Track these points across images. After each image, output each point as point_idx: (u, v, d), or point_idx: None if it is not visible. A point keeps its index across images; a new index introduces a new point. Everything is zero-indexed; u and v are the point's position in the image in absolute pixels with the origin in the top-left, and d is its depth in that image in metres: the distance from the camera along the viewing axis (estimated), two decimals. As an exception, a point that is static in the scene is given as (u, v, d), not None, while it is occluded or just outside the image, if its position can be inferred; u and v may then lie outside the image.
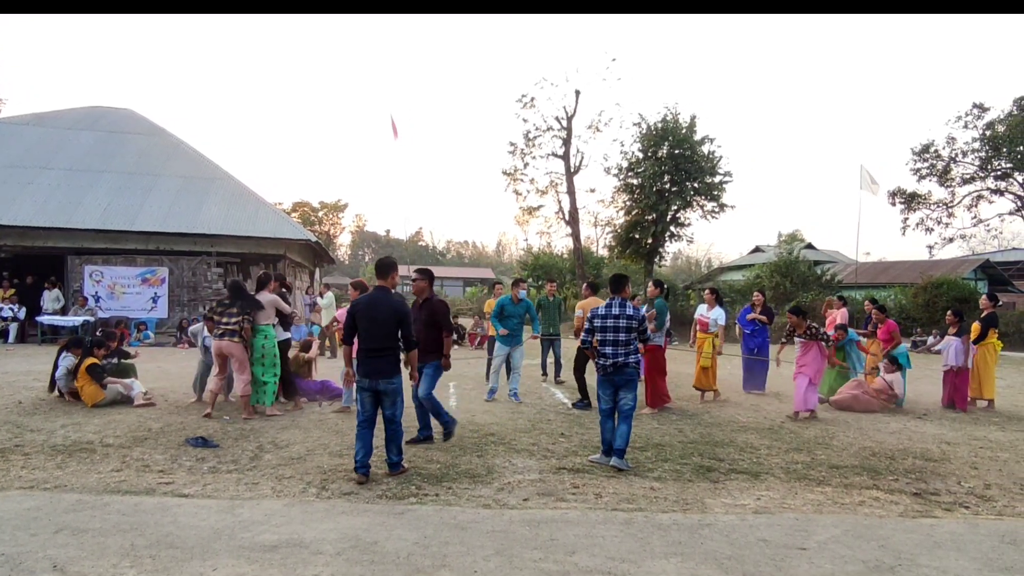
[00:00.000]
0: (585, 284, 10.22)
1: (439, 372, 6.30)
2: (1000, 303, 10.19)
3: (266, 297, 7.64)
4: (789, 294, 24.51)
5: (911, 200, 28.50)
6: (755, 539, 3.94)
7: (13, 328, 15.91)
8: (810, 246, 41.48)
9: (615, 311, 5.75)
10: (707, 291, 10.04)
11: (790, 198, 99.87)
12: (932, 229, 28.69)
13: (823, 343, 8.25)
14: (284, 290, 8.53)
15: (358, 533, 3.85)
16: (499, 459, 5.75)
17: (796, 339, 8.35)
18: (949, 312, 9.71)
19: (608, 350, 5.66)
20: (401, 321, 5.21)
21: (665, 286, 9.00)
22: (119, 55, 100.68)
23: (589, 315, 5.92)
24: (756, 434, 7.14)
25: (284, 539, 3.75)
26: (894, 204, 29.00)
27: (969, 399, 9.33)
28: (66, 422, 6.89)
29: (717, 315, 9.53)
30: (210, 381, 7.71)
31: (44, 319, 15.70)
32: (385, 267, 5.45)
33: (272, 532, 3.85)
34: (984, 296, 9.90)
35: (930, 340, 10.05)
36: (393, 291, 5.40)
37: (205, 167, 20.82)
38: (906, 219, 29.05)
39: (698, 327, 9.69)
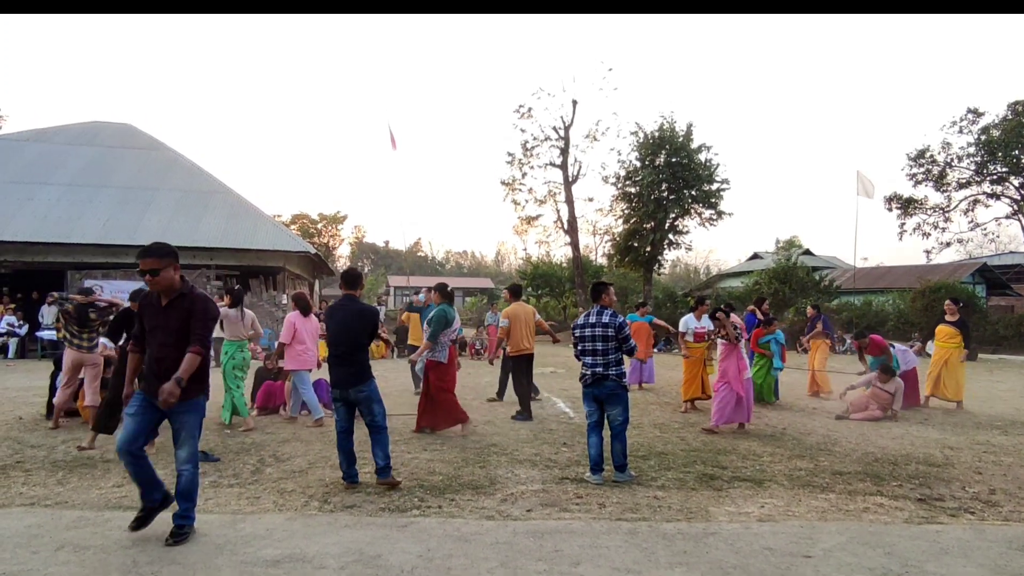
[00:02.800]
0: (506, 289, 9.40)
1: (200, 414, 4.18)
2: (962, 304, 10.46)
3: (248, 313, 7.76)
4: (788, 300, 24.54)
5: (908, 205, 28.59)
6: (760, 547, 3.92)
7: (13, 343, 15.88)
8: (808, 252, 41.56)
9: (592, 319, 5.58)
10: (704, 303, 10.07)
11: (788, 204, 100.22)
12: (929, 234, 28.79)
13: (741, 343, 7.80)
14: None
15: (361, 547, 3.83)
16: (501, 470, 5.73)
17: (719, 340, 7.99)
18: (855, 341, 9.93)
19: (588, 360, 5.52)
20: (374, 329, 5.33)
21: (450, 288, 7.92)
22: (118, 69, 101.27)
23: (573, 325, 5.79)
24: (758, 441, 7.13)
25: (287, 554, 3.72)
26: (891, 209, 29.10)
27: (925, 398, 9.76)
28: (67, 438, 6.86)
29: (710, 325, 9.57)
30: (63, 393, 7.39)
31: (43, 334, 15.68)
32: (354, 278, 5.55)
33: (274, 547, 3.83)
34: (949, 301, 10.13)
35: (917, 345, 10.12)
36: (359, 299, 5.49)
37: (204, 180, 20.88)
38: (903, 224, 29.14)
39: (692, 338, 9.61)
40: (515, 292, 9.13)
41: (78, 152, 20.56)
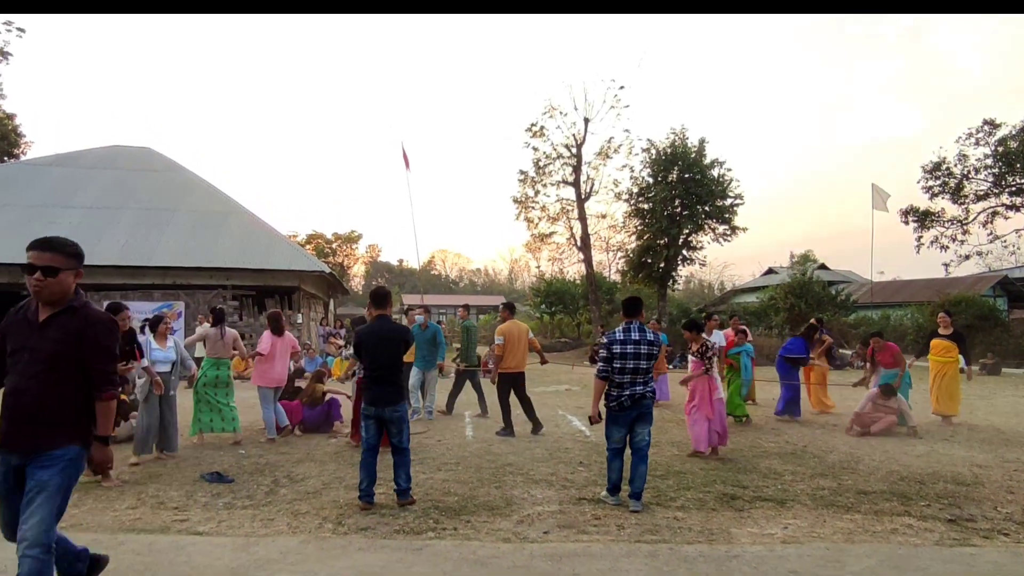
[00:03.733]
0: (502, 306, 9.29)
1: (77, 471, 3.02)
2: (952, 316, 10.28)
3: (229, 331, 7.99)
4: (804, 315, 24.26)
5: (924, 218, 28.20)
6: (785, 571, 3.81)
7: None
8: (823, 266, 41.18)
9: (635, 336, 5.18)
10: (713, 318, 10.30)
11: (802, 219, 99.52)
12: (947, 247, 28.29)
13: (710, 360, 7.33)
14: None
15: (375, 571, 3.77)
16: (517, 490, 5.64)
17: (689, 356, 7.64)
18: (872, 340, 9.61)
19: (627, 379, 5.12)
20: (407, 346, 5.41)
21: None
22: (138, 92, 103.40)
23: (607, 341, 5.27)
24: (779, 459, 6.98)
25: (300, 577, 3.67)
26: (907, 223, 28.72)
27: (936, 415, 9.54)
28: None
29: (720, 340, 9.71)
30: None
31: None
32: (383, 297, 5.56)
33: (288, 571, 3.78)
34: (943, 314, 9.99)
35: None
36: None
37: (220, 202, 21.15)
38: (920, 237, 28.72)
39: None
40: (510, 309, 9.16)
41: (99, 175, 20.95)
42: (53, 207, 19.00)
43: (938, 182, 27.43)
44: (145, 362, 6.66)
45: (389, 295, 5.66)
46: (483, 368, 19.03)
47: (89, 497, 5.41)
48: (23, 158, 29.28)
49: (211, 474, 6.09)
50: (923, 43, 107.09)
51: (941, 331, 9.72)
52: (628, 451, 5.32)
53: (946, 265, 29.28)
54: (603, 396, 5.29)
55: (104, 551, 4.07)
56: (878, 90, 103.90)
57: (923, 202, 28.21)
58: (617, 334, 5.26)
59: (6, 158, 29.91)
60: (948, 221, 28.15)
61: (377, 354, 5.22)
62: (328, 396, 8.83)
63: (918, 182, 27.78)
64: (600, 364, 5.27)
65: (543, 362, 9.54)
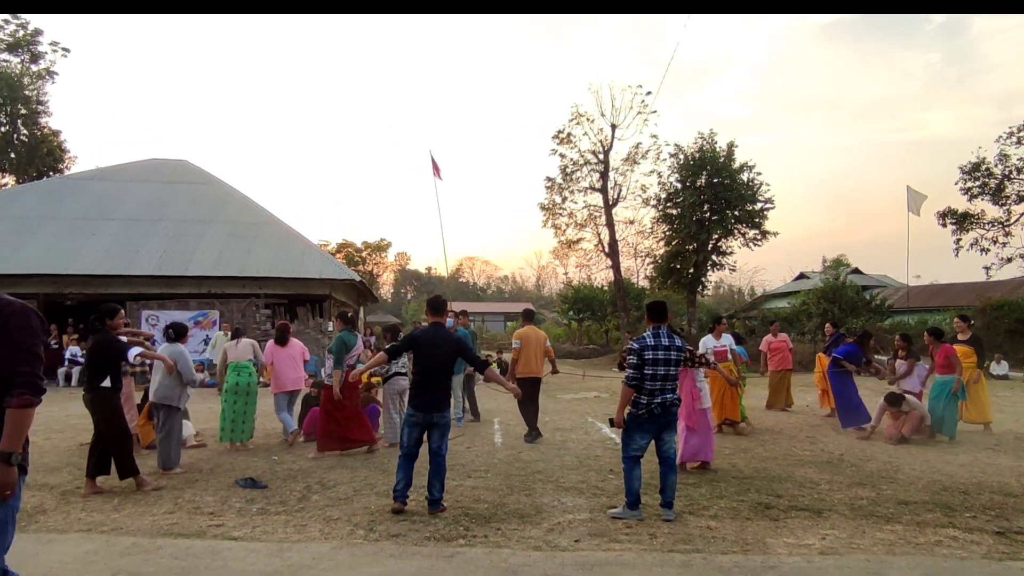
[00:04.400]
0: (523, 311, 9.47)
1: None
2: (972, 322, 9.93)
3: (244, 340, 8.43)
4: (838, 320, 23.74)
5: (963, 220, 27.38)
6: (824, 583, 3.71)
7: (76, 372, 16.57)
8: (857, 271, 40.25)
9: (664, 341, 5.10)
10: (721, 321, 9.95)
11: (834, 223, 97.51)
12: (988, 249, 27.39)
13: (703, 368, 7.00)
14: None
15: (407, 577, 3.78)
16: (547, 498, 5.61)
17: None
18: (926, 334, 9.27)
19: (657, 386, 5.02)
20: (461, 351, 5.43)
21: (351, 314, 8.50)
22: (174, 105, 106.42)
23: (637, 347, 5.11)
24: (815, 468, 6.82)
25: (333, 583, 3.70)
26: (945, 225, 27.91)
27: (968, 423, 9.16)
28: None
29: (731, 343, 9.47)
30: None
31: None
32: (441, 304, 5.67)
33: (321, 576, 3.81)
34: (957, 319, 9.66)
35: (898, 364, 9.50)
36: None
37: (254, 212, 21.60)
38: (959, 240, 27.89)
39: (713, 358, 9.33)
40: (528, 316, 9.29)
41: (137, 188, 21.58)
42: (95, 219, 19.62)
43: (977, 183, 26.64)
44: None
45: (446, 303, 5.77)
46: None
47: (129, 502, 5.55)
48: (67, 173, 30.33)
49: (245, 480, 6.19)
50: (961, 40, 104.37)
51: (960, 337, 9.42)
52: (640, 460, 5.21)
53: (987, 268, 28.34)
54: (629, 403, 5.17)
55: (143, 555, 4.18)
56: (914, 88, 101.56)
57: (961, 204, 27.42)
58: (647, 340, 5.15)
59: (51, 173, 31.02)
60: (988, 223, 27.30)
61: (429, 360, 5.27)
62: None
63: (956, 183, 27.01)
64: (630, 371, 5.10)
65: (554, 371, 9.51)
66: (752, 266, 73.46)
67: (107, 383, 5.89)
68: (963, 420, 9.16)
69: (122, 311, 6.25)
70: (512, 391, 5.81)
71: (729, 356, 9.36)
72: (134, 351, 6.48)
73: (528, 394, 8.45)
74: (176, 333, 7.06)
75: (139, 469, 6.06)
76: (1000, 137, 25.97)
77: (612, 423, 5.25)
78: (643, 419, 5.09)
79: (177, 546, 4.37)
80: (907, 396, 8.54)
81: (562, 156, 27.77)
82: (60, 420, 10.25)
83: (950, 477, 6.43)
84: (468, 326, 11.72)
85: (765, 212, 25.67)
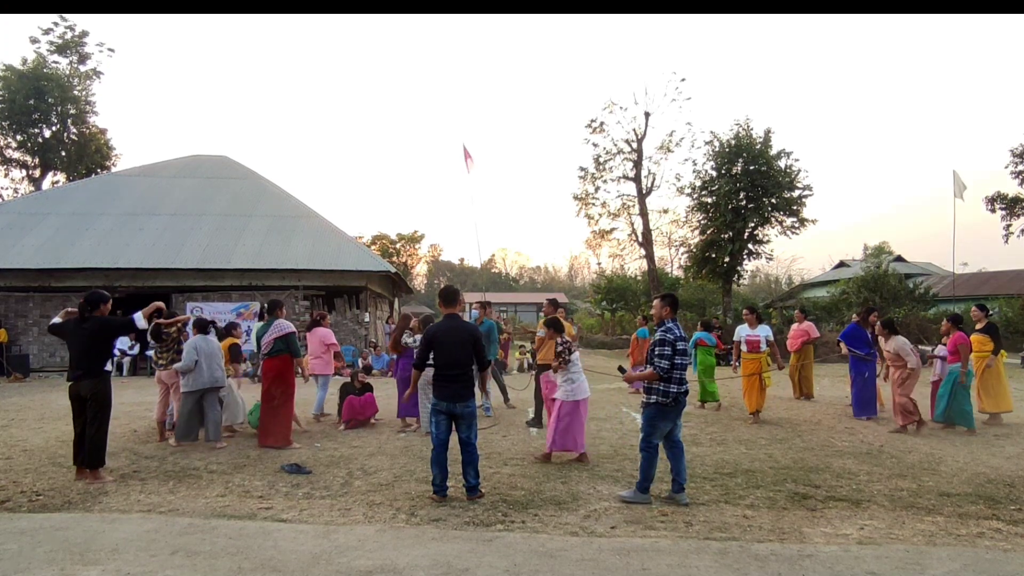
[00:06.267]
0: (547, 301, 9.33)
1: None
2: (991, 312, 9.57)
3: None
4: (880, 310, 23.16)
5: (1014, 205, 26.36)
6: (862, 572, 3.72)
7: (127, 363, 17.27)
8: (900, 259, 39.10)
9: (683, 333, 5.31)
10: (745, 311, 10.00)
11: (877, 209, 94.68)
12: (1040, 235, 26.36)
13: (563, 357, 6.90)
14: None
15: (449, 560, 3.92)
16: (583, 485, 5.70)
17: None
18: (945, 320, 9.10)
19: (680, 375, 5.18)
20: (476, 343, 5.44)
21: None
22: (215, 102, 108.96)
23: (671, 338, 5.15)
24: (853, 459, 6.76)
25: (378, 564, 3.86)
26: (994, 211, 26.92)
27: (984, 413, 9.03)
28: (175, 449, 7.39)
29: (766, 332, 9.48)
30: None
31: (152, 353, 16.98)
32: (453, 295, 5.66)
33: (366, 558, 3.97)
34: (974, 307, 9.52)
35: (938, 349, 9.28)
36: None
37: (292, 206, 22.06)
38: (1008, 226, 26.86)
39: (746, 347, 9.52)
40: (553, 304, 9.20)
41: (181, 184, 22.27)
42: (141, 215, 20.33)
43: (1029, 166, 25.61)
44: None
45: (459, 293, 5.79)
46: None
47: (183, 485, 5.83)
48: (114, 170, 31.42)
49: (290, 465, 6.43)
50: (1005, 20, 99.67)
51: (978, 326, 9.25)
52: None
53: (1040, 255, 27.24)
54: (649, 391, 5.28)
55: (200, 535, 4.41)
56: (958, 72, 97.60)
57: (1011, 188, 26.40)
58: (676, 331, 5.25)
59: (99, 170, 32.17)
60: (1041, 208, 26.26)
61: (448, 351, 5.35)
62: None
63: (1006, 167, 26.00)
64: (663, 363, 5.12)
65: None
66: (790, 255, 71.89)
67: (108, 367, 6.12)
68: (980, 410, 8.99)
69: (109, 298, 6.23)
70: (483, 391, 5.87)
71: (764, 346, 9.33)
72: (138, 316, 6.22)
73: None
74: (200, 327, 7.88)
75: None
76: (1054, 118, 24.85)
77: (623, 371, 5.66)
78: (670, 408, 5.21)
79: (230, 527, 4.59)
80: (897, 337, 8.42)
81: (595, 145, 27.66)
82: (114, 408, 10.62)
83: (995, 469, 6.31)
84: (491, 317, 11.88)
85: (803, 199, 25.16)
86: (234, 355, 8.78)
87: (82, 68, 33.14)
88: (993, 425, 8.88)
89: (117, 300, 18.54)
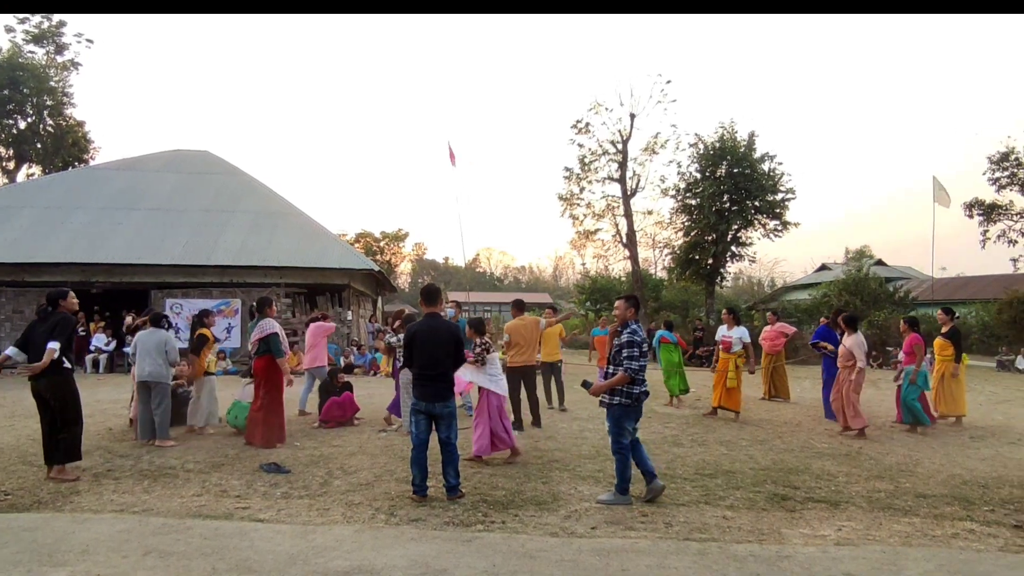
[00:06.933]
0: (512, 302, 9.35)
1: None
2: (957, 316, 9.96)
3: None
4: (860, 313, 23.46)
5: (991, 211, 26.83)
6: (839, 573, 3.75)
7: (103, 359, 16.97)
8: (880, 262, 39.68)
9: (644, 335, 5.40)
10: (724, 311, 10.25)
11: (858, 213, 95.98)
12: (1016, 241, 26.87)
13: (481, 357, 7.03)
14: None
15: (428, 560, 3.88)
16: (564, 486, 5.69)
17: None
18: (902, 322, 9.30)
19: (643, 376, 5.24)
20: (457, 344, 5.41)
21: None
22: (196, 97, 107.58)
23: (641, 339, 5.23)
24: (832, 460, 6.82)
25: (356, 565, 3.81)
26: (972, 216, 27.39)
27: (939, 414, 9.24)
28: (151, 448, 7.26)
29: (740, 334, 9.62)
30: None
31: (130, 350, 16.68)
32: (435, 294, 5.67)
33: (344, 558, 3.93)
34: (940, 311, 9.67)
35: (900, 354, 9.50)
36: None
37: (275, 203, 21.83)
38: (986, 231, 27.36)
39: (721, 347, 9.74)
40: (517, 306, 9.21)
41: (161, 179, 21.91)
42: (120, 209, 19.97)
43: (1006, 173, 26.09)
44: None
45: (439, 292, 5.78)
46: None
47: (158, 484, 5.72)
48: (92, 163, 30.87)
49: (269, 464, 6.35)
50: (987, 27, 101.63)
51: (943, 329, 9.42)
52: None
53: (1014, 260, 27.82)
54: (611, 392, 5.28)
55: (174, 535, 4.33)
56: (939, 78, 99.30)
57: (989, 194, 26.87)
58: (641, 332, 5.31)
59: (77, 163, 31.59)
60: (1017, 214, 26.74)
61: (428, 351, 5.31)
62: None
63: (984, 173, 26.47)
64: (636, 364, 5.15)
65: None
66: (772, 257, 72.59)
67: (67, 364, 5.82)
68: (937, 412, 9.19)
69: (71, 294, 6.09)
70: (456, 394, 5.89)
71: (736, 347, 9.54)
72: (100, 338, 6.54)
73: (517, 383, 8.55)
74: (153, 321, 7.91)
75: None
76: (1030, 126, 25.35)
77: (588, 385, 5.43)
78: (634, 408, 5.26)
79: (206, 527, 4.52)
80: (856, 335, 8.48)
81: (580, 146, 27.67)
82: (90, 405, 10.45)
83: (971, 471, 6.40)
84: (461, 317, 11.86)
85: (786, 202, 25.37)
86: (196, 347, 8.28)
87: (59, 59, 32.54)
88: (956, 428, 9.06)
89: (94, 296, 18.39)
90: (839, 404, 8.48)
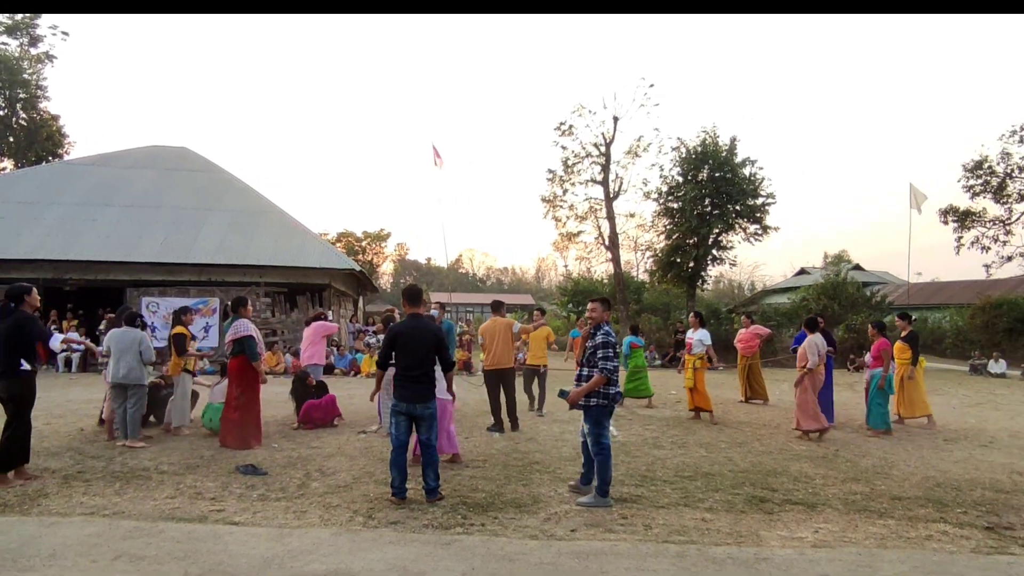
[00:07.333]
0: (491, 303, 9.32)
1: None
2: (914, 319, 10.22)
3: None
4: (838, 317, 23.80)
5: (965, 218, 27.39)
6: (816, 575, 3.77)
7: (76, 358, 16.62)
8: (858, 267, 40.28)
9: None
10: (691, 315, 10.55)
11: (836, 219, 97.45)
12: (989, 248, 27.43)
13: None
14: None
15: (405, 564, 3.84)
16: (544, 488, 5.67)
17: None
18: (870, 326, 9.55)
19: (617, 376, 5.38)
20: (440, 344, 5.36)
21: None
22: (174, 93, 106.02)
23: (614, 341, 5.35)
24: (810, 463, 6.88)
25: (332, 568, 3.76)
26: (947, 223, 27.94)
27: (899, 417, 9.48)
28: (124, 449, 7.11)
29: (701, 336, 9.86)
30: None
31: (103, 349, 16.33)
32: (417, 294, 5.61)
33: (320, 562, 3.87)
34: (896, 317, 9.95)
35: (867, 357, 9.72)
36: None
37: (255, 201, 21.57)
38: (960, 238, 27.91)
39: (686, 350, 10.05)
40: (494, 308, 9.13)
41: (138, 175, 21.54)
42: (95, 206, 19.60)
43: (979, 181, 26.64)
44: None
45: (422, 293, 5.73)
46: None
47: (130, 486, 5.60)
48: (66, 158, 30.26)
49: (246, 466, 6.25)
50: (961, 39, 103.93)
51: (902, 334, 9.64)
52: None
53: (987, 266, 28.38)
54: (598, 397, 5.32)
55: (146, 538, 4.24)
56: (920, 85, 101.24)
57: (963, 201, 27.43)
58: (613, 334, 5.39)
59: (51, 158, 30.95)
60: (990, 221, 27.32)
61: (410, 351, 5.27)
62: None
63: (958, 181, 27.01)
64: (611, 364, 5.26)
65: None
66: (753, 261, 73.47)
67: (25, 366, 5.64)
68: (897, 416, 9.41)
69: (34, 290, 5.94)
70: (450, 394, 5.80)
71: (696, 349, 9.84)
72: (58, 338, 6.24)
73: (495, 385, 8.52)
74: (127, 320, 7.68)
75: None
76: (1003, 135, 25.94)
77: (565, 394, 5.41)
78: (610, 408, 5.36)
79: (179, 530, 4.43)
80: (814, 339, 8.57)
81: (564, 148, 27.73)
82: (61, 405, 10.31)
83: (944, 473, 6.50)
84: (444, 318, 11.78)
85: (766, 207, 25.66)
86: (178, 347, 8.06)
87: (33, 51, 31.88)
88: (930, 428, 9.31)
89: (68, 293, 18.01)
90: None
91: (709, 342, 9.91)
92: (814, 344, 8.44)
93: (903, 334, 9.55)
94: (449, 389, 5.76)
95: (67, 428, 8.32)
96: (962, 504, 5.39)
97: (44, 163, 28.62)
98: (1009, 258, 27.52)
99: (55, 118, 33.31)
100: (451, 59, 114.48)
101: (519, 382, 9.51)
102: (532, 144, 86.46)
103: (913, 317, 10.40)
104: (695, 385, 9.70)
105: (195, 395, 8.71)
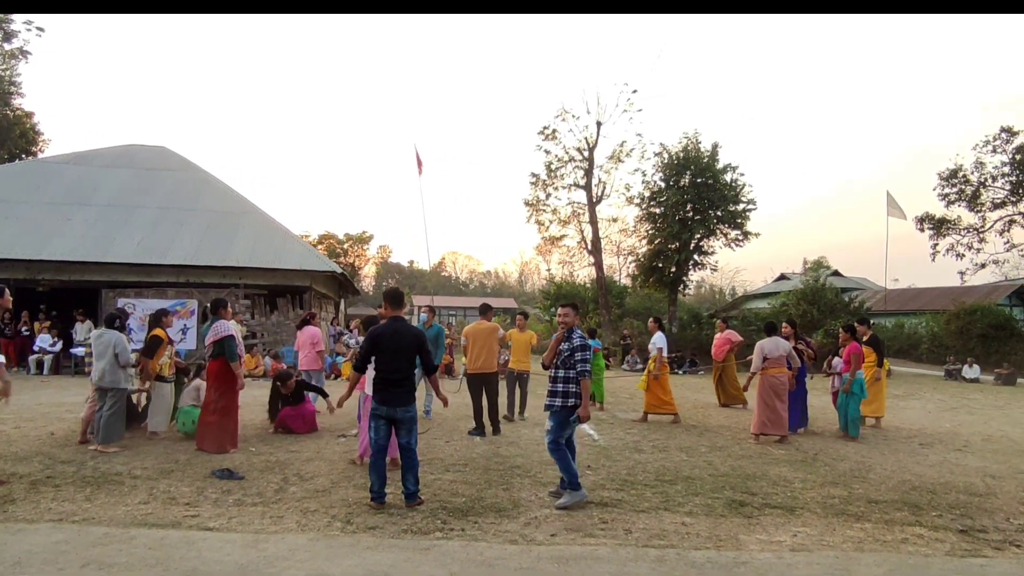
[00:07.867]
0: (480, 307, 9.30)
1: None
2: (873, 323, 10.57)
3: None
4: (816, 322, 24.10)
5: (940, 226, 27.96)
6: (793, 579, 3.79)
7: (48, 360, 16.26)
8: (836, 273, 40.93)
9: None
10: (651, 320, 10.86)
11: (816, 225, 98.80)
12: (963, 255, 28.02)
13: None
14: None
15: (384, 570, 3.79)
16: (525, 492, 5.65)
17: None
18: (842, 330, 9.79)
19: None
20: (421, 347, 5.32)
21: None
22: (153, 91, 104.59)
23: (591, 345, 5.66)
24: (789, 467, 6.94)
25: (309, 575, 3.69)
26: (923, 230, 28.49)
27: (863, 419, 9.66)
28: (95, 453, 6.95)
29: (655, 339, 10.13)
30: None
31: (77, 351, 16.00)
32: (399, 297, 5.57)
33: (297, 568, 3.80)
34: (856, 322, 10.16)
35: (835, 361, 9.95)
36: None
37: (235, 201, 21.29)
38: (935, 245, 28.47)
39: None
40: (482, 311, 9.10)
41: (115, 174, 21.15)
42: (70, 205, 19.21)
43: (954, 189, 27.20)
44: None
45: (403, 296, 5.69)
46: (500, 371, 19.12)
47: (101, 492, 5.47)
48: (40, 156, 29.67)
49: (222, 471, 6.14)
50: (943, 49, 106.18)
51: (864, 339, 9.81)
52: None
53: (962, 273, 28.96)
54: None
55: (117, 545, 4.13)
56: (896, 96, 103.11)
57: (939, 209, 27.96)
58: (586, 336, 5.59)
59: (24, 156, 30.32)
60: (964, 229, 27.89)
61: (391, 355, 5.21)
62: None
63: (934, 189, 27.54)
64: (589, 366, 5.44)
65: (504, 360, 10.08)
66: (733, 266, 74.13)
67: None
68: (866, 416, 9.64)
69: (6, 291, 5.89)
70: (441, 399, 5.72)
71: (652, 351, 10.07)
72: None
73: (477, 389, 8.49)
74: (106, 321, 7.60)
75: None
76: (977, 145, 26.51)
77: (581, 419, 5.43)
78: (573, 410, 5.42)
79: (151, 536, 4.33)
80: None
81: (547, 152, 27.82)
82: (31, 408, 10.05)
83: (919, 477, 6.58)
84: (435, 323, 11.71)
85: (747, 213, 25.94)
86: (149, 350, 7.73)
87: (7, 46, 31.16)
88: (876, 428, 9.63)
89: (40, 294, 17.61)
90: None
91: (661, 345, 10.08)
92: (760, 349, 8.58)
93: (864, 339, 9.73)
94: (437, 393, 5.68)
95: (37, 432, 8.12)
96: (937, 507, 5.46)
97: (17, 161, 28.03)
98: (983, 265, 28.14)
99: (29, 115, 32.66)
100: (435, 60, 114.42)
101: (501, 386, 9.47)
102: (516, 147, 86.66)
103: (872, 321, 10.72)
104: (648, 387, 9.95)
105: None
